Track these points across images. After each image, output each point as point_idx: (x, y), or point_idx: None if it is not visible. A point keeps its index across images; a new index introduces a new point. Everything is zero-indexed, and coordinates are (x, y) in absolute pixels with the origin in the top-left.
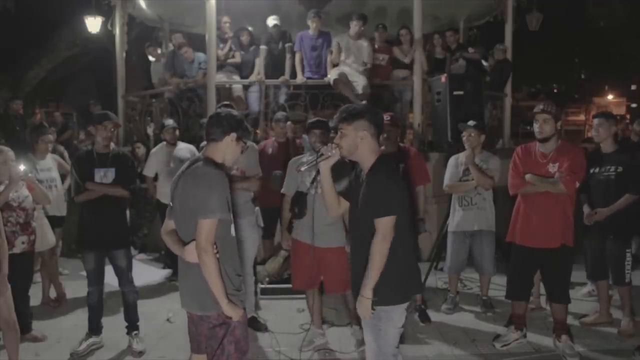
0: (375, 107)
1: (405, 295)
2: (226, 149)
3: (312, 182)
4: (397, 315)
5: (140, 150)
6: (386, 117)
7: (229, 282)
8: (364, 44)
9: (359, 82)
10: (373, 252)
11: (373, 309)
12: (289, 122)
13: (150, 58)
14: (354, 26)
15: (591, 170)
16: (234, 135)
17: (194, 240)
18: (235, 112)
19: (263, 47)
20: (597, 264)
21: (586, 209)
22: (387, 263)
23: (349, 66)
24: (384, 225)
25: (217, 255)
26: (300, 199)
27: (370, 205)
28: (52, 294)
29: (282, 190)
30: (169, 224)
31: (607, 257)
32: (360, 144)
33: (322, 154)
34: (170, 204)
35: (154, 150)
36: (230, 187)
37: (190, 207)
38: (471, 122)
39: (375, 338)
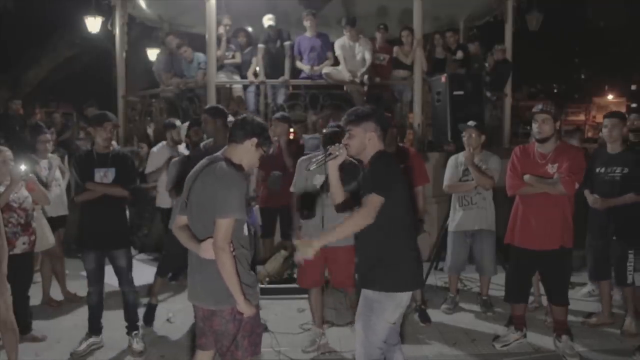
0: (380, 109)
1: (399, 286)
2: (245, 153)
3: (323, 186)
4: (390, 308)
5: (144, 150)
6: None
7: (242, 279)
8: (363, 44)
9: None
10: (349, 218)
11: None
12: (277, 122)
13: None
14: (347, 32)
15: (597, 170)
16: (255, 140)
17: (210, 238)
18: (261, 120)
19: (261, 46)
20: (599, 264)
21: (590, 198)
22: (383, 250)
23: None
24: (369, 202)
25: (234, 253)
26: (309, 201)
27: (364, 188)
28: (56, 295)
29: (291, 189)
30: (181, 219)
31: (610, 258)
32: (368, 144)
33: (330, 154)
34: (185, 200)
35: (154, 149)
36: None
37: (208, 205)
38: (471, 123)
39: (364, 327)
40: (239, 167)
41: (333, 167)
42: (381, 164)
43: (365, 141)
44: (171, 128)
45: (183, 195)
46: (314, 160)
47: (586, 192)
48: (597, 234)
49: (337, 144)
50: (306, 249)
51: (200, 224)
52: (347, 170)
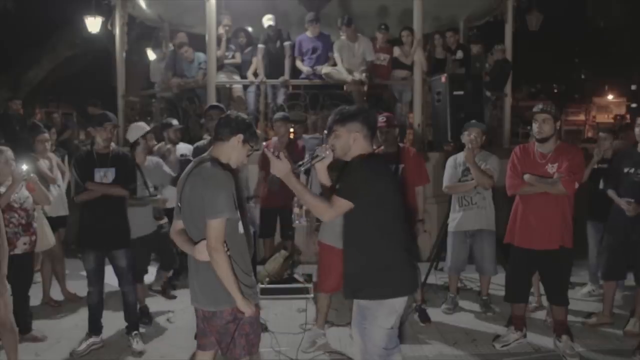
0: (369, 109)
1: (388, 292)
2: (232, 150)
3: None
4: (381, 314)
5: None
6: (381, 118)
7: (240, 279)
8: (363, 42)
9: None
10: (318, 201)
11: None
12: (278, 122)
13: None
14: (344, 31)
15: (625, 170)
16: (240, 136)
17: (204, 240)
18: (244, 116)
19: (261, 46)
20: (617, 263)
21: (624, 204)
22: (369, 256)
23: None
24: (336, 204)
25: (228, 253)
26: None
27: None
28: (56, 295)
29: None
30: (178, 224)
31: (632, 258)
32: (353, 145)
33: (316, 155)
34: (178, 204)
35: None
36: (236, 185)
37: (198, 207)
38: (476, 123)
39: (361, 335)
40: (226, 167)
41: (321, 169)
42: (359, 169)
43: (350, 142)
44: (168, 127)
45: (176, 199)
46: (300, 162)
47: (612, 193)
48: (621, 234)
49: (323, 145)
50: (280, 167)
51: (193, 226)
52: (337, 167)
